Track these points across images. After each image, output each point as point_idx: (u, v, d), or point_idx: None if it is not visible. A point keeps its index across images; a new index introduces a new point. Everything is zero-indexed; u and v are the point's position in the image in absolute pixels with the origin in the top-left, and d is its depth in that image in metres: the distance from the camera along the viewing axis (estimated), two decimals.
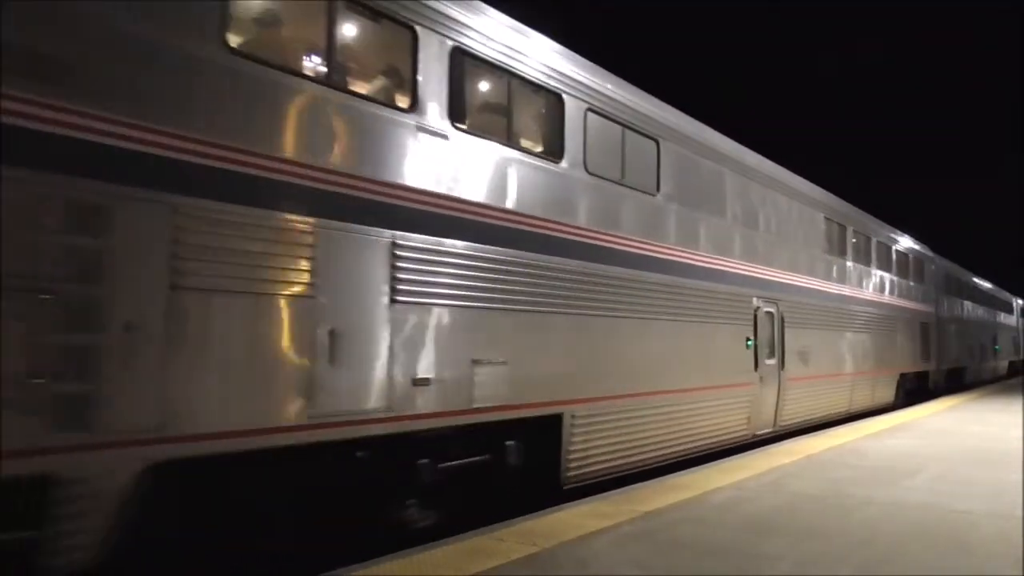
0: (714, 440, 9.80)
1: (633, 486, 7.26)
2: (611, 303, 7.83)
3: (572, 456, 7.27)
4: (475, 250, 6.22)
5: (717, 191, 10.23)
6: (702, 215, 9.75)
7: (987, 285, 32.59)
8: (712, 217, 10.01)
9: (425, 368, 5.73)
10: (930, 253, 21.94)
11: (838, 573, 4.49)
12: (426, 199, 5.84)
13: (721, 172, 10.32)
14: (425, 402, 5.72)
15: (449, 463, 6.15)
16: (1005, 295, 38.33)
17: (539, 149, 7.33)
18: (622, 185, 8.21)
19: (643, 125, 8.64)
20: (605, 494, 6.87)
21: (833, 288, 14.14)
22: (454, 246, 6.03)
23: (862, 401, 15.44)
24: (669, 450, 8.82)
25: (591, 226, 7.64)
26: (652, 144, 8.84)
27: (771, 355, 11.38)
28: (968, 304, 27.70)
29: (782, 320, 11.71)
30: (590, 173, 7.68)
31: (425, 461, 5.90)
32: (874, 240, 16.88)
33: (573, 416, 7.24)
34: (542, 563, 4.65)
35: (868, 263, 16.37)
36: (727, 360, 10.11)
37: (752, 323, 10.78)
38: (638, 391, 8.23)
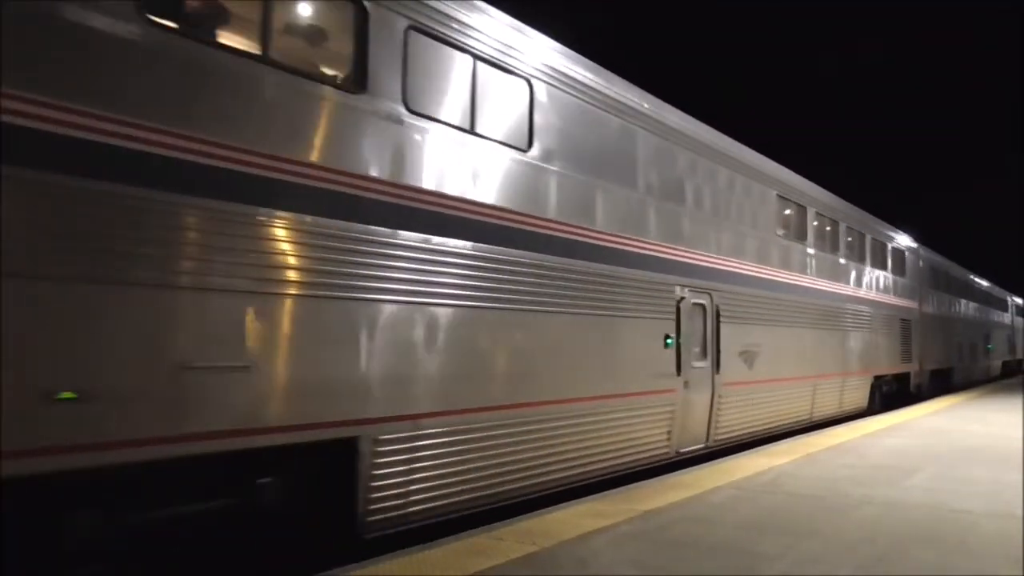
0: (619, 461, 7.84)
1: (632, 485, 7.09)
2: (450, 287, 5.88)
3: (377, 495, 5.31)
4: (187, 204, 4.27)
5: (624, 154, 8.25)
6: (599, 182, 7.76)
7: (980, 281, 30.48)
8: (615, 185, 8.02)
9: (73, 377, 3.79)
10: (913, 244, 19.92)
11: (837, 573, 4.43)
12: (70, 118, 3.85)
13: (632, 131, 8.36)
14: (82, 427, 3.79)
15: (147, 513, 4.22)
16: (1000, 292, 36.08)
17: (325, 73, 5.40)
18: (470, 133, 6.25)
19: (506, 58, 6.69)
20: (604, 493, 6.71)
21: (789, 278, 12.09)
22: (137, 196, 4.04)
23: (827, 407, 13.46)
24: (548, 477, 6.87)
25: (414, 183, 5.68)
26: (522, 84, 6.89)
27: (702, 356, 9.40)
28: (958, 300, 25.47)
29: (717, 314, 9.73)
30: (414, 112, 5.74)
31: (87, 513, 3.97)
32: (843, 226, 14.83)
33: (377, 440, 5.29)
34: (541, 562, 4.59)
35: (835, 251, 14.34)
36: (636, 362, 8.13)
37: (674, 317, 8.81)
38: (495, 403, 6.29)
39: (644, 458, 8.26)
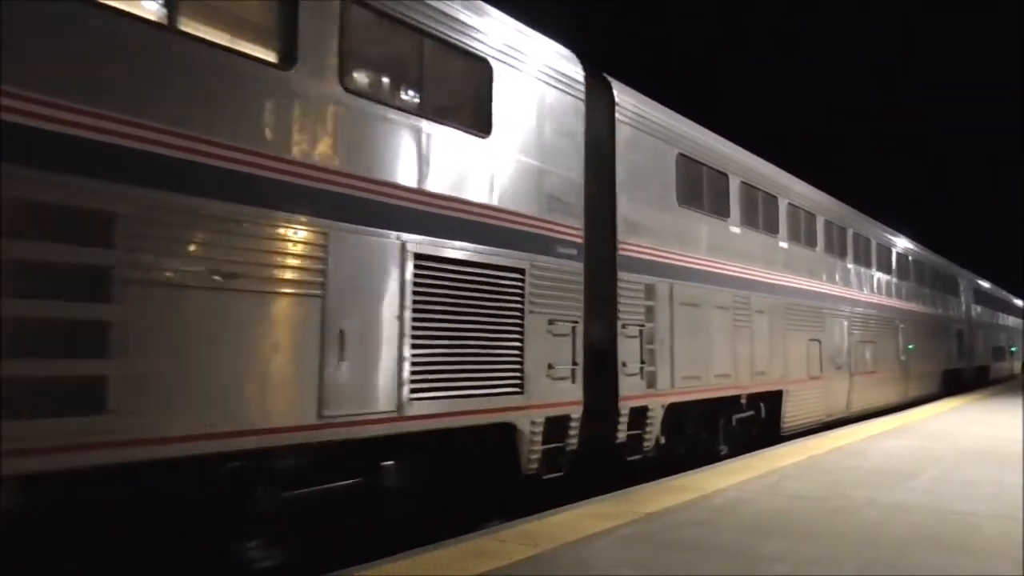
0: None
1: (634, 487, 7.16)
2: None
3: None
4: None
5: None
6: None
7: (896, 240, 18.97)
8: None
9: None
10: (571, 70, 7.50)
11: (839, 574, 4.46)
12: None
13: None
14: None
15: None
16: (942, 265, 23.58)
17: None
18: None
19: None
20: (606, 495, 6.77)
21: None
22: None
23: None
24: None
25: None
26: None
27: None
28: (826, 258, 14.08)
29: None
30: None
31: None
32: None
33: None
34: (543, 564, 4.64)
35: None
36: None
37: None
38: None
39: None
